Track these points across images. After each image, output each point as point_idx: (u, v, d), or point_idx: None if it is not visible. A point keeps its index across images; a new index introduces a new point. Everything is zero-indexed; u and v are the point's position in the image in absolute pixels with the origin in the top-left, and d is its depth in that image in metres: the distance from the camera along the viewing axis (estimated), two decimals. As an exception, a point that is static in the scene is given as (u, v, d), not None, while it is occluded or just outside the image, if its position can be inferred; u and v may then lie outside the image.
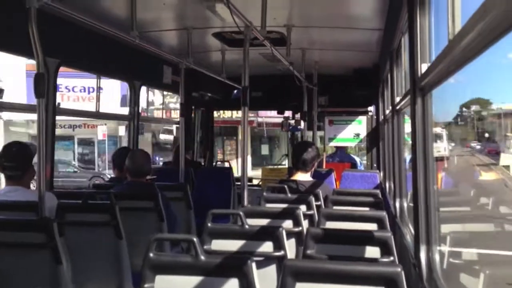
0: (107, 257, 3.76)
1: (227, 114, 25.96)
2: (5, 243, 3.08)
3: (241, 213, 3.09)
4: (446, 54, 1.82)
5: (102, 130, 24.65)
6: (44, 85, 3.20)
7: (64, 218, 3.71)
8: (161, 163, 20.75)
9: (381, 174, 6.89)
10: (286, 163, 12.62)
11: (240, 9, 3.89)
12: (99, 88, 6.30)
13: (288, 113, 10.04)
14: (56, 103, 4.77)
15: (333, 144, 8.80)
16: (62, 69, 4.85)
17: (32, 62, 3.42)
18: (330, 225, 3.59)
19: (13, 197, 3.61)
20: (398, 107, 4.33)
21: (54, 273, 3.04)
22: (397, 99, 4.42)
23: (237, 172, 7.48)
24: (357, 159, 8.79)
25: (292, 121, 9.42)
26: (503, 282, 2.00)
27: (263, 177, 8.84)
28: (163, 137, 27.51)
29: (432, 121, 2.52)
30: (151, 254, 2.31)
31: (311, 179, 5.10)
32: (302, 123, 8.02)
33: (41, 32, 3.12)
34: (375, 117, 8.32)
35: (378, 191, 4.75)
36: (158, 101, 24.67)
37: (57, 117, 4.75)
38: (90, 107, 17.10)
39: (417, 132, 2.49)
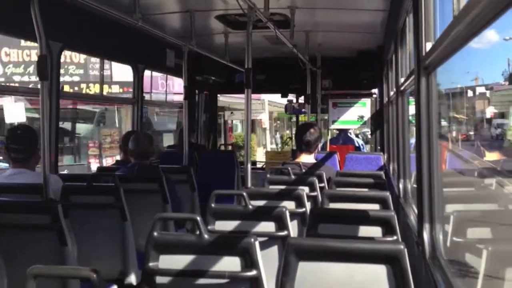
0: (112, 239, 3.79)
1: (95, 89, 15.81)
2: (11, 225, 3.10)
3: (244, 193, 3.10)
4: (450, 30, 1.81)
5: None
6: (46, 68, 3.20)
7: (69, 200, 3.73)
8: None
9: (385, 156, 6.88)
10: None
11: (243, -10, 3.86)
12: (102, 71, 6.30)
13: (291, 96, 10.03)
14: (60, 87, 4.78)
15: (336, 126, 8.79)
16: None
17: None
18: (334, 206, 3.60)
19: (19, 179, 3.63)
20: (402, 88, 4.31)
21: (59, 254, 3.07)
22: (402, 80, 4.40)
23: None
24: (360, 142, 8.77)
25: (296, 104, 9.41)
26: (506, 258, 2.00)
27: (267, 160, 8.84)
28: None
29: (437, 101, 2.51)
30: (155, 233, 2.33)
31: (314, 160, 5.10)
32: (306, 106, 8.01)
33: (44, 15, 3.12)
34: (379, 99, 8.29)
35: (381, 173, 4.76)
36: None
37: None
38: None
39: (422, 112, 2.48)
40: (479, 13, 1.41)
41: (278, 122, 31.73)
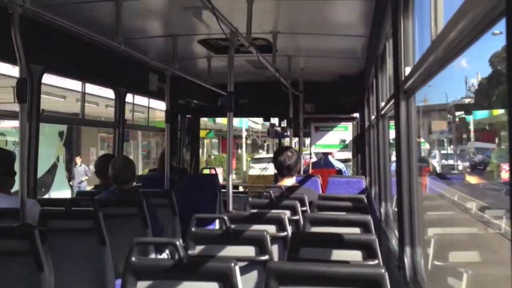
0: (91, 264, 3.71)
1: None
2: None
3: (225, 217, 3.08)
4: (429, 55, 1.83)
5: None
6: (25, 91, 3.17)
7: (46, 225, 3.66)
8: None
9: (367, 179, 6.91)
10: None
11: (226, 15, 3.90)
12: (84, 95, 6.26)
13: (274, 120, 10.05)
14: (40, 110, 4.73)
15: (318, 150, 8.83)
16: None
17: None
18: (316, 230, 3.58)
19: (-5, 203, 3.56)
20: (383, 112, 4.35)
21: (36, 280, 2.99)
22: (382, 104, 4.44)
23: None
24: (342, 166, 8.80)
25: (279, 128, 9.44)
26: (486, 282, 2.00)
27: (249, 183, 8.82)
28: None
29: (416, 125, 2.53)
30: (133, 258, 2.28)
31: (296, 183, 5.09)
32: (288, 129, 8.04)
33: (25, 38, 3.10)
34: (360, 123, 8.36)
35: (363, 196, 4.76)
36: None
37: None
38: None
39: (401, 135, 2.50)
40: (456, 38, 1.43)
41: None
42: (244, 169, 26.57)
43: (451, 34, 1.45)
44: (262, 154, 32.04)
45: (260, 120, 25.45)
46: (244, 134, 28.66)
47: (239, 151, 30.10)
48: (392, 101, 2.93)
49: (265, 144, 37.37)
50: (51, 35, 4.57)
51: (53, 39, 4.64)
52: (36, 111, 4.55)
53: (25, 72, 3.17)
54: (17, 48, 3.08)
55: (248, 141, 32.51)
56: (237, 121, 22.80)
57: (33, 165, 4.46)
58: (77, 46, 4.99)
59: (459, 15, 1.36)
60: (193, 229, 3.08)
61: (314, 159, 8.93)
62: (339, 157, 9.08)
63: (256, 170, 18.49)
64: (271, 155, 28.63)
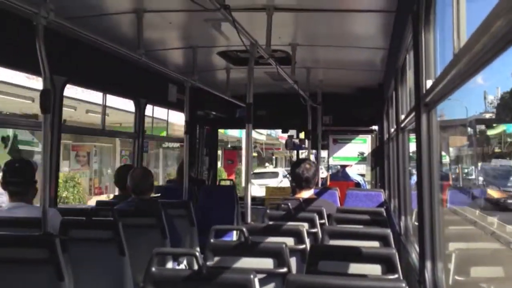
0: (110, 274, 3.74)
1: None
2: (9, 259, 3.06)
3: (244, 229, 3.08)
4: (451, 68, 1.82)
5: None
6: (50, 102, 3.21)
7: (67, 234, 3.70)
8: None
9: (386, 193, 6.86)
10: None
11: (246, 28, 3.92)
12: (105, 106, 6.33)
13: (292, 132, 10.05)
14: (62, 120, 4.80)
15: (336, 162, 8.80)
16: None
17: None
18: (334, 243, 3.56)
19: (18, 213, 3.61)
20: (403, 125, 4.32)
21: (56, 289, 3.02)
22: (402, 117, 4.42)
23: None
24: (360, 179, 8.75)
25: (297, 140, 9.43)
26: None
27: (267, 196, 8.80)
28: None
29: (437, 138, 2.51)
30: (153, 269, 2.29)
31: (314, 196, 5.08)
32: (307, 142, 8.02)
33: (48, 50, 3.15)
34: (379, 136, 8.32)
35: (382, 209, 4.73)
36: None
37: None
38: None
39: (422, 149, 2.49)
40: (479, 51, 1.42)
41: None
42: (243, 184, 25.18)
43: (475, 48, 1.44)
44: (268, 168, 30.39)
45: (264, 130, 24.27)
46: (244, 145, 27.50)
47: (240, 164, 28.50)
48: (413, 114, 2.91)
49: (274, 157, 35.77)
50: (73, 47, 4.64)
51: (76, 50, 4.71)
52: (58, 122, 4.62)
53: (49, 84, 3.22)
54: (41, 60, 3.12)
55: (254, 154, 31.36)
56: (237, 131, 21.39)
57: (54, 174, 4.51)
58: (99, 58, 5.06)
59: (482, 28, 1.35)
60: (211, 240, 3.08)
61: (323, 173, 8.84)
62: (356, 171, 9.03)
63: (255, 187, 15.75)
64: (275, 169, 27.51)
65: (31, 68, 3.74)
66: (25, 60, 3.81)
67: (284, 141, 10.45)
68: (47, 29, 3.14)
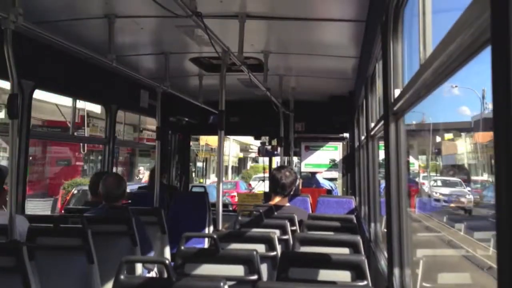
0: (78, 282, 3.68)
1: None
2: None
3: (215, 236, 3.07)
4: (417, 78, 1.86)
5: None
6: (17, 107, 3.17)
7: (35, 242, 3.63)
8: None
9: (357, 199, 6.93)
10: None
11: (218, 35, 3.93)
12: (75, 111, 6.26)
13: (264, 139, 10.08)
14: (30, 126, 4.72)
15: (308, 169, 8.85)
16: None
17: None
18: (305, 249, 3.58)
19: (-16, 220, 3.52)
20: (372, 133, 4.38)
21: (22, 298, 2.96)
22: (372, 124, 4.48)
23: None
24: (332, 184, 8.82)
25: (269, 147, 9.46)
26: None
27: (239, 202, 8.80)
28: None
29: (405, 146, 2.56)
30: (121, 277, 2.27)
31: (287, 204, 5.09)
32: (279, 148, 8.06)
33: (17, 54, 3.11)
34: (350, 143, 8.41)
35: (352, 216, 4.77)
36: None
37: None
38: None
39: (391, 157, 2.52)
40: (444, 63, 1.46)
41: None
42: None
43: (439, 59, 1.48)
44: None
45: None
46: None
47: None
48: (382, 122, 2.96)
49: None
50: (43, 51, 4.58)
51: (45, 55, 4.65)
52: (26, 127, 4.54)
53: (17, 88, 3.17)
54: (9, 64, 3.08)
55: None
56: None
57: (22, 180, 4.43)
58: (69, 63, 5.00)
59: (447, 40, 1.39)
60: (182, 247, 3.07)
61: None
62: (326, 176, 9.10)
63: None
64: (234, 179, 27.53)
65: None
66: None
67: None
68: (16, 34, 3.10)
